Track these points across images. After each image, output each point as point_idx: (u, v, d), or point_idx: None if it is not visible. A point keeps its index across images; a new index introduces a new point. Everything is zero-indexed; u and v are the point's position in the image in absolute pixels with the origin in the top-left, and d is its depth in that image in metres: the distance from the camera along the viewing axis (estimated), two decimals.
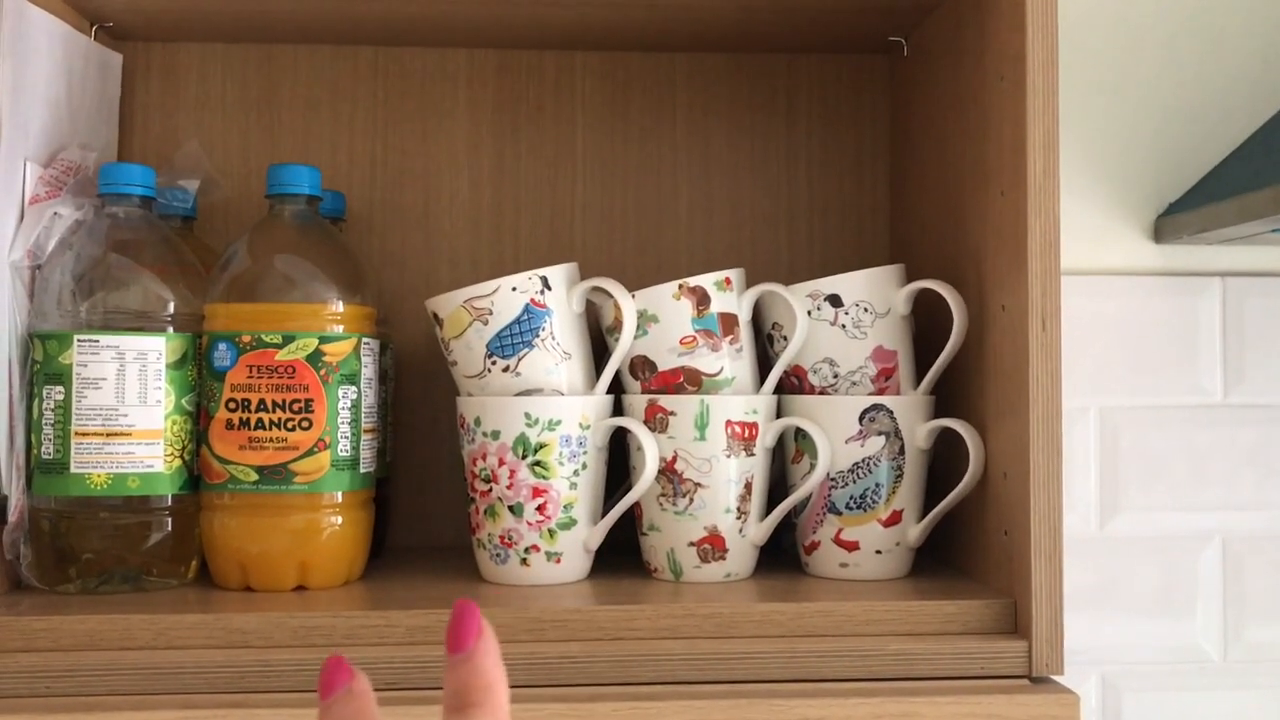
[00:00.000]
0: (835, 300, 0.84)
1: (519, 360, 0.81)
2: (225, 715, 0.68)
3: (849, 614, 0.75)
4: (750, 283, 0.86)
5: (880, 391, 0.84)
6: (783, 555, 0.89)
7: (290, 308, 0.79)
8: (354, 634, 0.73)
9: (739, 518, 0.82)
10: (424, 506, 0.98)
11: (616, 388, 0.85)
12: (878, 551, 0.83)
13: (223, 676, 0.70)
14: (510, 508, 0.80)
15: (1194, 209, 0.98)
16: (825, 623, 0.75)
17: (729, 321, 0.84)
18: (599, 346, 0.86)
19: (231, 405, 0.79)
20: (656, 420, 0.82)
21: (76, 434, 0.78)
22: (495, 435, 0.80)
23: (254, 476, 0.78)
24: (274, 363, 0.79)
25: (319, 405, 0.79)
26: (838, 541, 0.83)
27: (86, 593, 0.78)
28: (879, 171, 1.03)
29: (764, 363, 0.86)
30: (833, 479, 0.83)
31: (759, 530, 0.83)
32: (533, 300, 0.81)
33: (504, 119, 1.01)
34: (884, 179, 1.03)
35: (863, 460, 0.82)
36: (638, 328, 0.83)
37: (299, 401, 0.79)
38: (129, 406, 0.79)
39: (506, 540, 0.81)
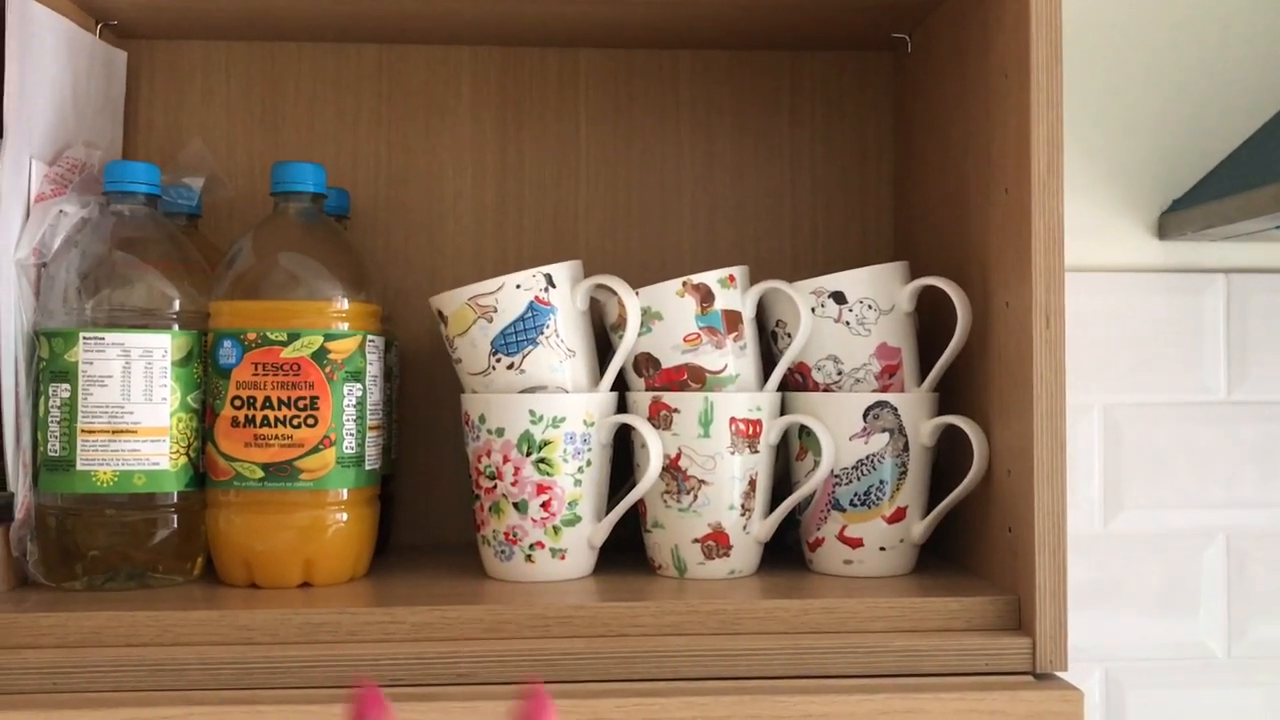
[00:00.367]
0: (839, 297, 0.84)
1: (523, 358, 0.81)
2: (230, 712, 0.68)
3: (853, 610, 0.75)
4: (754, 280, 0.86)
5: (884, 389, 0.84)
6: (787, 552, 0.89)
7: (295, 305, 0.80)
8: (359, 630, 0.73)
9: (743, 515, 0.82)
10: (429, 503, 0.99)
11: (620, 385, 0.85)
12: (881, 548, 0.83)
13: (228, 673, 0.70)
14: (515, 504, 0.80)
15: (1198, 205, 0.98)
16: (829, 619, 0.75)
17: (733, 319, 0.84)
18: (603, 344, 0.86)
19: (237, 402, 0.79)
20: (660, 417, 0.82)
21: (82, 431, 0.78)
22: (500, 432, 0.80)
23: (259, 474, 0.79)
24: (279, 360, 0.79)
25: (324, 402, 0.79)
26: (842, 538, 0.83)
27: (92, 589, 0.78)
28: (883, 168, 1.03)
29: (768, 360, 0.86)
30: (837, 476, 0.83)
31: (763, 527, 0.83)
32: (537, 298, 0.81)
33: (508, 116, 1.01)
34: (888, 176, 1.03)
35: (867, 457, 0.82)
36: (641, 325, 0.83)
37: (304, 399, 0.79)
38: (134, 404, 0.79)
39: (511, 537, 0.81)
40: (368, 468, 0.82)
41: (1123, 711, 1.03)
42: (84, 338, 0.78)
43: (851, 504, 0.83)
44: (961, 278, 0.84)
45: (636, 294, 0.83)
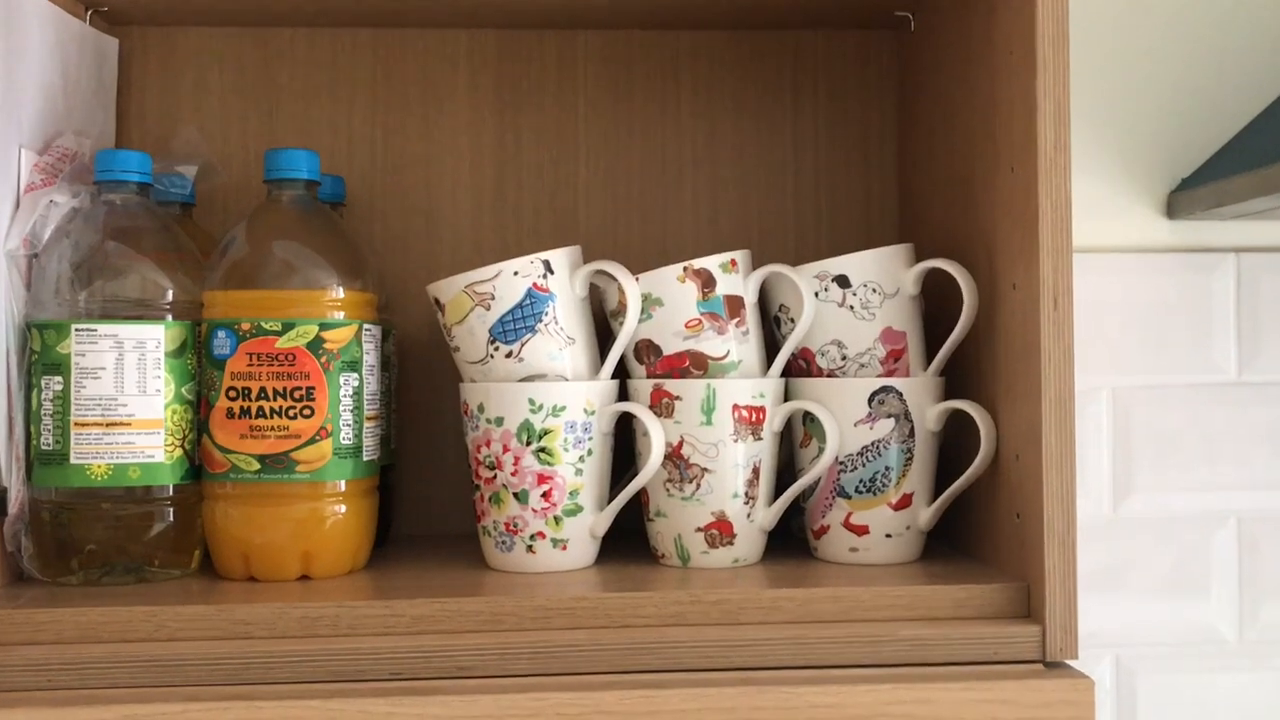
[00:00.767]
0: (843, 281, 0.83)
1: (522, 346, 0.80)
2: (229, 707, 0.67)
3: (859, 599, 0.74)
4: (756, 264, 0.85)
5: (889, 373, 0.83)
6: (791, 540, 0.88)
7: (290, 294, 0.79)
8: (358, 624, 0.72)
9: (747, 503, 0.81)
10: (429, 494, 0.98)
11: (621, 372, 0.84)
12: (888, 535, 0.82)
13: (226, 668, 0.70)
14: (515, 495, 0.79)
15: (1207, 184, 0.97)
16: (835, 608, 0.74)
17: (735, 304, 0.83)
18: (603, 331, 0.85)
19: (232, 394, 0.78)
20: (662, 405, 0.81)
21: (76, 424, 0.77)
22: (499, 422, 0.79)
23: (256, 466, 0.78)
24: (274, 350, 0.78)
25: (320, 393, 0.78)
26: (847, 526, 0.82)
27: (88, 584, 0.78)
28: (887, 149, 1.02)
29: (771, 345, 0.85)
30: (842, 462, 0.82)
31: (767, 515, 0.82)
32: (535, 285, 0.80)
33: (505, 100, 1.00)
34: (892, 156, 1.02)
35: (872, 443, 0.81)
36: (642, 311, 0.82)
37: (300, 389, 0.78)
38: (128, 396, 0.78)
39: (512, 527, 0.80)
40: (365, 458, 0.81)
41: (1134, 697, 1.02)
42: (76, 329, 0.77)
43: (857, 490, 0.82)
44: (967, 259, 0.83)
45: (637, 280, 0.82)
